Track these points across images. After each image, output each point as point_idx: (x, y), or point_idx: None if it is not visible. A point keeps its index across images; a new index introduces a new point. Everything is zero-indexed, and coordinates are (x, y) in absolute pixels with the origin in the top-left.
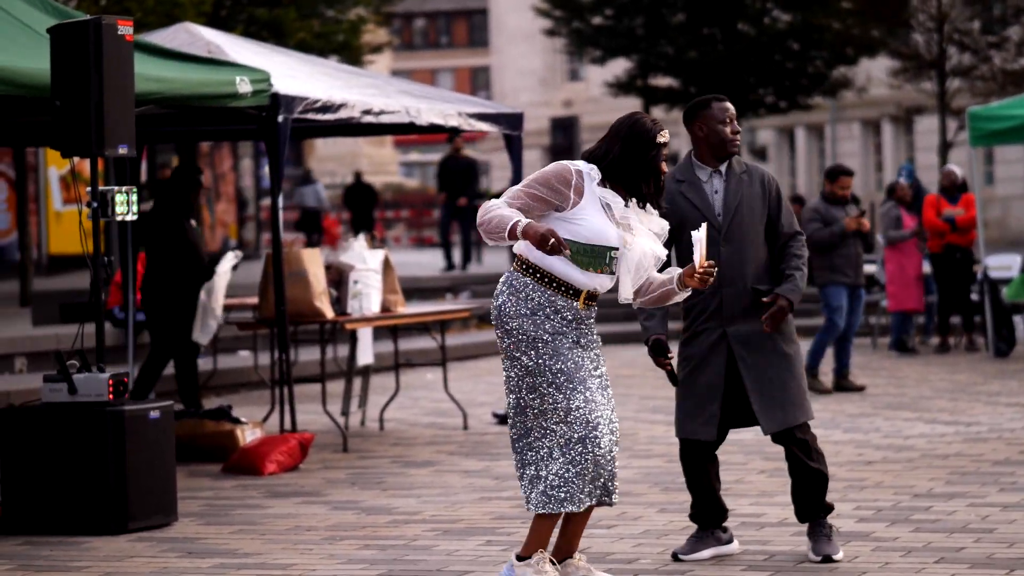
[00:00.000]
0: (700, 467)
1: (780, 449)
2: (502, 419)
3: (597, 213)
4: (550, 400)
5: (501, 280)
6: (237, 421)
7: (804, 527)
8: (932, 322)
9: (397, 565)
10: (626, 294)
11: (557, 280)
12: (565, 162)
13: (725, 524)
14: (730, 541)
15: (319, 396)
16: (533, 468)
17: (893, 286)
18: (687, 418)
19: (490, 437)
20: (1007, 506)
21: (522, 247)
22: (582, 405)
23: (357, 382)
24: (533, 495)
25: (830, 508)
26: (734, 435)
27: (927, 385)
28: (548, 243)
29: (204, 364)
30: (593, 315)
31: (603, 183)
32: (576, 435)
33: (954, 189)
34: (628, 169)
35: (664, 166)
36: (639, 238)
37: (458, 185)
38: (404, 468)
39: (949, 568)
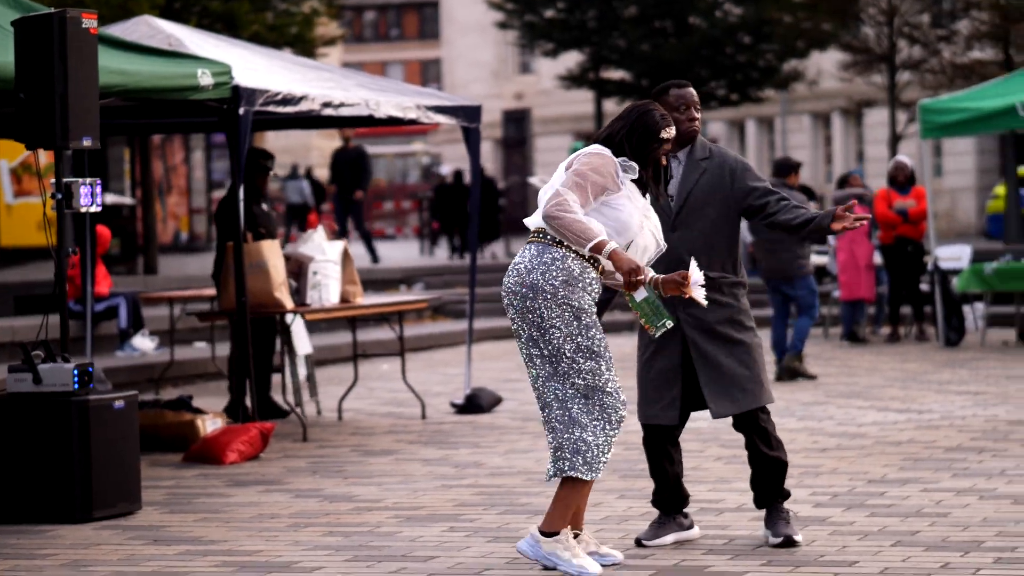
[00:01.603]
0: (662, 452)
1: (738, 436)
2: (460, 408)
3: (629, 201)
4: (590, 368)
5: (531, 254)
6: (197, 411)
7: (762, 513)
8: (883, 312)
9: (363, 551)
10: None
11: (582, 255)
12: (605, 151)
13: (686, 510)
14: (691, 527)
15: (279, 386)
16: (567, 434)
17: (845, 275)
18: (648, 403)
19: (448, 426)
20: (960, 491)
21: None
22: (612, 377)
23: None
24: (568, 462)
25: (787, 494)
26: (691, 423)
27: (879, 374)
28: (634, 277)
29: (161, 355)
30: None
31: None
32: (608, 403)
33: (905, 181)
34: (633, 156)
35: (664, 160)
36: (649, 226)
37: (348, 176)
38: (364, 457)
39: (905, 551)
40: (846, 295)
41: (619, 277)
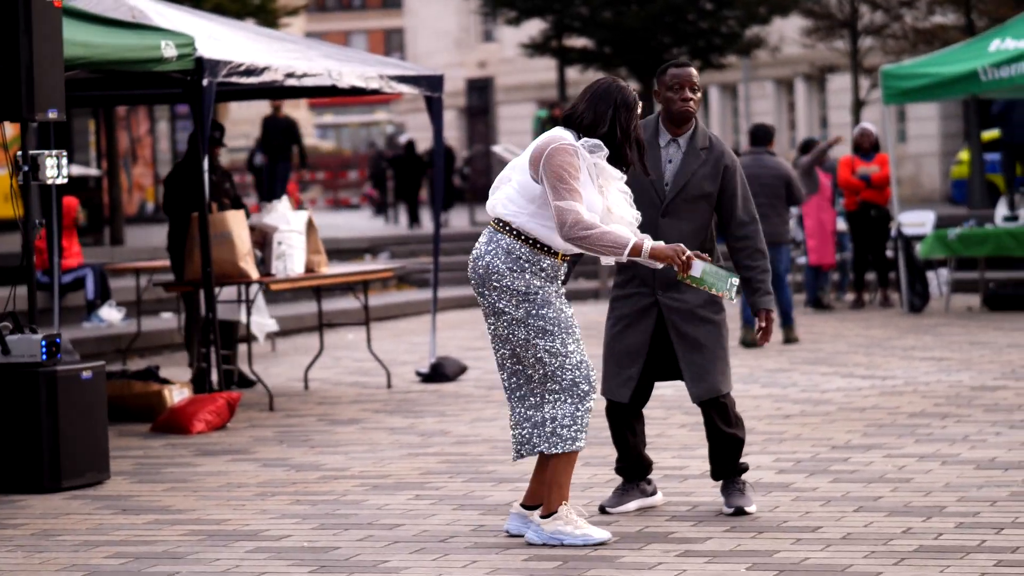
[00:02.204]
0: (623, 424)
1: None
2: (426, 377)
3: (589, 183)
4: (545, 347)
5: (482, 241)
6: (164, 381)
7: None
8: (847, 278)
9: (330, 519)
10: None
11: (540, 243)
12: (567, 141)
13: (650, 477)
14: (654, 493)
15: (245, 356)
16: (538, 414)
17: (813, 240)
18: (607, 378)
19: (414, 395)
20: (923, 456)
21: (508, 211)
22: (575, 350)
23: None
24: (541, 440)
25: (744, 468)
26: (656, 390)
27: (843, 340)
28: (682, 257)
29: (127, 326)
30: (565, 271)
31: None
32: (579, 375)
33: (870, 148)
34: (617, 135)
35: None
36: (616, 203)
37: (278, 145)
38: (330, 426)
39: (868, 516)
40: (815, 260)
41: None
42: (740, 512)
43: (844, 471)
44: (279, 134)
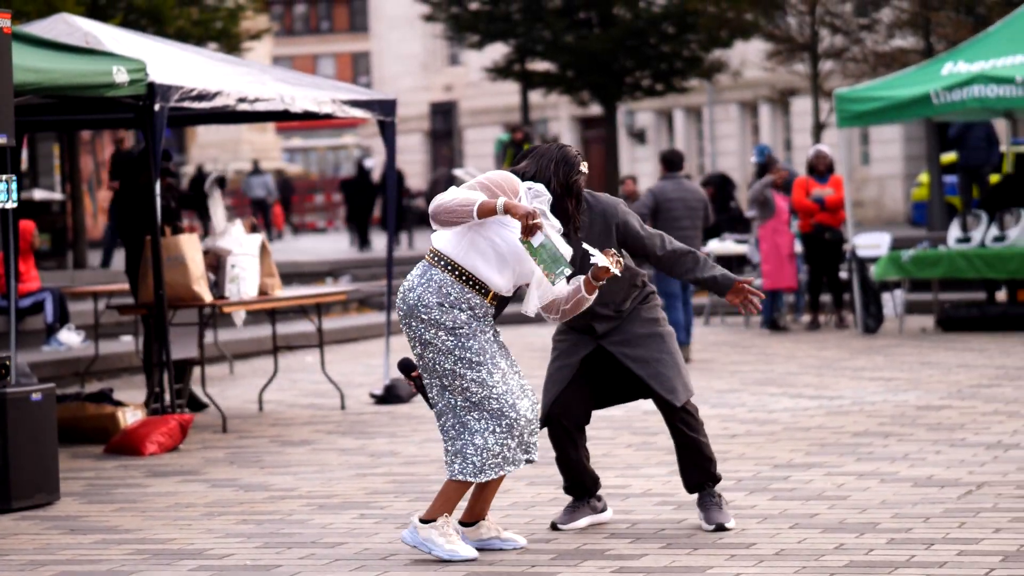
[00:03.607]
0: (566, 443)
1: (648, 423)
2: (379, 399)
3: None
4: (472, 378)
5: (415, 273)
6: (118, 404)
7: (668, 496)
8: (803, 300)
9: (274, 538)
10: (531, 306)
11: (474, 279)
12: (511, 176)
13: (599, 493)
14: (604, 510)
15: (198, 378)
16: (460, 442)
17: (768, 265)
18: (545, 401)
19: (367, 416)
20: (862, 475)
21: (445, 244)
22: (500, 380)
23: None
24: (458, 466)
25: (718, 478)
26: (604, 412)
27: (795, 362)
28: (530, 220)
29: (86, 349)
30: (493, 311)
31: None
32: (497, 407)
33: (825, 170)
34: (558, 191)
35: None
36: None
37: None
38: (282, 447)
39: (802, 533)
40: (769, 285)
41: (589, 298)
42: (720, 528)
43: (783, 489)
44: (125, 166)
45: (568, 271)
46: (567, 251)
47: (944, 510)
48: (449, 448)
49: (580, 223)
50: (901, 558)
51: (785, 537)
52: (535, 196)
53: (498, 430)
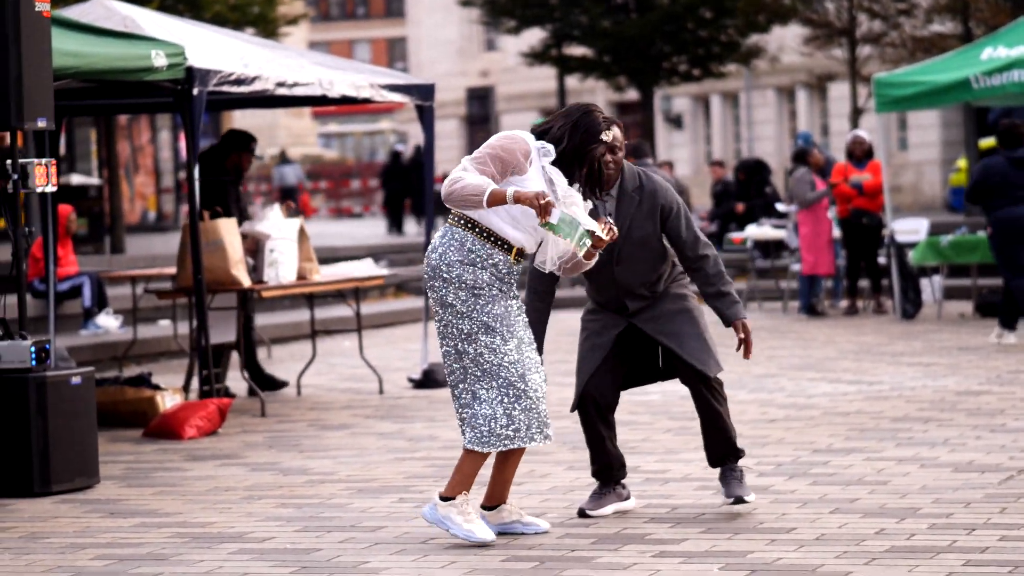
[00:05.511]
0: (598, 424)
1: (686, 408)
2: (417, 383)
3: (538, 185)
4: (486, 343)
5: (438, 235)
6: (157, 388)
7: (707, 481)
8: (841, 286)
9: (313, 522)
10: (545, 262)
11: (495, 235)
12: (518, 135)
13: (624, 481)
14: (628, 498)
15: (237, 362)
16: (470, 411)
17: (808, 250)
18: (579, 381)
19: (405, 401)
20: (902, 460)
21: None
22: (513, 349)
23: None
24: (472, 434)
25: (741, 453)
26: (642, 396)
27: (833, 347)
28: (542, 200)
29: (124, 333)
30: (519, 270)
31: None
32: (506, 376)
33: (863, 155)
34: (568, 154)
35: (608, 159)
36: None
37: None
38: (321, 431)
39: (843, 518)
40: (808, 270)
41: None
42: (739, 501)
43: (823, 474)
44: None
45: (589, 240)
46: (585, 219)
47: (985, 495)
48: (463, 417)
49: (608, 196)
50: (943, 543)
51: (826, 522)
52: (544, 154)
53: (506, 400)
